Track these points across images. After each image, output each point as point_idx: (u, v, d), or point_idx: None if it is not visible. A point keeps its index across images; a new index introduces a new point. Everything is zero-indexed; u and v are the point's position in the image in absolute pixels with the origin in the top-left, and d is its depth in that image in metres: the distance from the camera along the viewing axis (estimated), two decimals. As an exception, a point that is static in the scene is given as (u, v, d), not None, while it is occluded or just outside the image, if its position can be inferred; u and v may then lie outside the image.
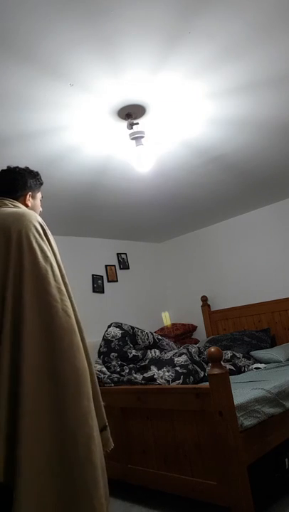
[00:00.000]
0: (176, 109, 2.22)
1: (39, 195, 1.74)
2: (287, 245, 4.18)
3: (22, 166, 2.52)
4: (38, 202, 1.72)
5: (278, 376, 2.66)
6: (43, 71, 1.74)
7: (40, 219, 1.48)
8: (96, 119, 2.19)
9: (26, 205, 1.63)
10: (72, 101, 1.98)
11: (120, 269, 4.72)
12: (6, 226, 1.39)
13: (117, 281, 4.63)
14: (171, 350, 3.28)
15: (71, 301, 1.41)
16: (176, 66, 1.85)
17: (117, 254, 4.76)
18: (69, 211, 3.56)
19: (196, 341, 4.54)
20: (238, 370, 3.24)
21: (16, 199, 1.60)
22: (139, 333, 3.34)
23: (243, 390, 2.31)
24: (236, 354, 3.48)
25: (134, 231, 4.61)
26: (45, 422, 1.21)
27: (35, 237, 1.40)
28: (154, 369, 2.83)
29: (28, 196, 1.65)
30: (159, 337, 3.56)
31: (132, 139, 2.26)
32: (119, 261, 4.74)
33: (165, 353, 3.19)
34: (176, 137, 2.55)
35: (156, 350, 3.29)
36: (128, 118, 2.18)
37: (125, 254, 4.84)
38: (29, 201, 1.66)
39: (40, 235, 1.42)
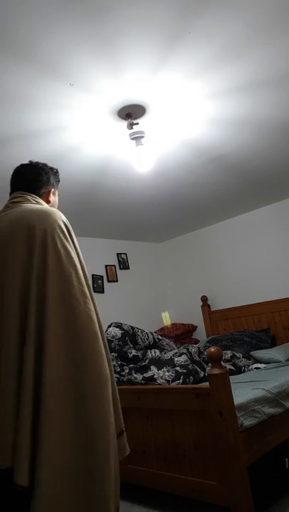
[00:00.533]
0: (176, 109, 2.22)
1: (57, 192, 1.70)
2: (287, 245, 4.18)
3: (22, 166, 2.55)
4: (57, 199, 1.69)
5: (278, 376, 2.66)
6: (43, 71, 1.74)
7: (64, 218, 1.42)
8: (96, 119, 2.19)
9: (48, 202, 1.59)
10: (72, 101, 1.98)
11: (120, 269, 4.72)
12: (29, 224, 1.34)
13: (117, 281, 4.63)
14: (171, 350, 3.28)
15: (93, 304, 1.37)
16: (176, 66, 1.85)
17: (117, 254, 4.76)
18: (69, 211, 3.56)
19: (196, 341, 4.54)
20: (238, 370, 3.24)
21: (39, 195, 1.56)
22: (139, 333, 3.34)
23: (243, 390, 2.31)
24: (236, 354, 3.48)
25: (134, 231, 4.61)
26: (66, 426, 1.18)
27: (59, 237, 1.34)
28: (154, 369, 2.83)
29: (50, 193, 1.61)
30: (159, 337, 3.56)
31: (132, 139, 2.26)
32: (119, 261, 4.74)
33: (165, 353, 3.19)
34: (176, 137, 2.55)
35: (156, 350, 3.29)
36: (128, 118, 2.18)
37: (125, 254, 4.84)
38: (51, 198, 1.62)
39: (64, 235, 1.37)
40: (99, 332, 1.30)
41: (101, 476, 1.19)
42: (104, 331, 3.27)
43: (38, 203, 1.50)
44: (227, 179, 3.41)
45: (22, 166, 1.62)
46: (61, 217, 1.41)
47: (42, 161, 2.50)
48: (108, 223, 4.13)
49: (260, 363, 3.48)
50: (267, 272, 4.32)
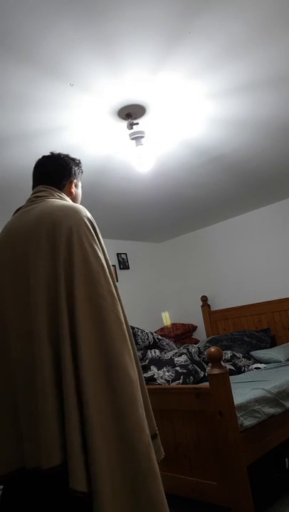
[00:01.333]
0: (176, 109, 2.22)
1: (80, 184, 1.64)
2: (287, 245, 4.18)
3: (23, 165, 2.55)
4: (80, 191, 1.63)
5: (278, 376, 2.66)
6: (43, 71, 1.74)
7: (90, 215, 1.36)
8: (96, 119, 2.19)
9: (70, 194, 1.54)
10: (72, 101, 1.98)
11: (120, 269, 4.72)
12: (55, 220, 1.29)
13: (117, 281, 4.64)
14: (171, 350, 3.28)
15: (121, 305, 1.33)
16: (176, 66, 1.85)
17: (117, 254, 4.76)
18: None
19: (196, 341, 4.54)
20: (238, 370, 3.24)
21: (62, 188, 1.51)
22: (139, 333, 3.34)
23: (243, 390, 2.31)
24: (236, 354, 3.48)
25: (134, 231, 4.61)
26: (109, 428, 1.15)
27: (86, 235, 1.28)
28: (154, 369, 2.83)
29: (73, 184, 1.55)
30: (159, 337, 3.56)
31: (132, 139, 2.26)
32: (119, 261, 4.74)
33: (165, 353, 3.19)
34: (176, 137, 2.55)
35: (156, 350, 3.29)
36: (128, 118, 2.18)
37: (125, 254, 4.84)
38: (73, 189, 1.56)
39: (90, 233, 1.31)
40: (126, 333, 1.26)
41: (150, 477, 1.15)
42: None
43: (61, 198, 1.45)
44: (227, 179, 3.41)
45: (44, 157, 1.56)
46: (87, 215, 1.35)
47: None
48: (108, 223, 4.13)
49: (260, 363, 3.48)
50: (267, 272, 4.32)
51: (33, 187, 1.52)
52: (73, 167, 1.57)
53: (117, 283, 1.54)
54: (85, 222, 1.31)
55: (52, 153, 1.58)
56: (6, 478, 1.21)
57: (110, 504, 1.08)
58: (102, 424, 1.14)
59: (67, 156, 1.58)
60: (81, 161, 1.65)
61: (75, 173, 1.57)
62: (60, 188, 1.51)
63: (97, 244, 1.30)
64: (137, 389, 1.21)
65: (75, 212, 1.32)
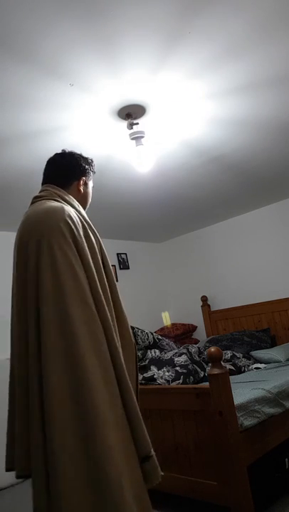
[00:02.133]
0: (176, 109, 2.22)
1: (91, 183, 1.63)
2: (287, 245, 4.18)
3: (23, 165, 2.55)
4: (90, 190, 1.61)
5: (278, 376, 2.66)
6: (43, 71, 1.74)
7: (72, 217, 1.30)
8: (96, 119, 2.19)
9: (79, 192, 1.53)
10: (72, 101, 1.98)
11: (120, 269, 4.72)
12: (31, 228, 1.27)
13: (117, 281, 4.63)
14: (171, 350, 3.28)
15: (117, 305, 1.30)
16: (176, 66, 1.85)
17: (117, 254, 4.76)
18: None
19: (196, 341, 4.54)
20: (238, 370, 3.24)
21: (68, 186, 1.50)
22: (139, 333, 3.34)
23: (243, 390, 2.31)
24: (236, 354, 3.48)
25: (134, 231, 4.61)
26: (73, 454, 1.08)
27: (58, 242, 1.22)
28: (154, 369, 2.83)
29: (81, 181, 1.54)
30: (159, 337, 3.56)
31: (132, 139, 2.26)
32: (119, 261, 4.74)
33: (165, 353, 3.19)
34: (176, 137, 2.55)
35: (156, 350, 3.29)
36: (128, 118, 2.18)
37: (125, 254, 4.84)
38: (82, 187, 1.54)
39: (64, 238, 1.23)
40: (100, 343, 1.18)
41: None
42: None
43: (56, 199, 1.40)
44: (227, 179, 3.41)
45: (55, 155, 1.56)
46: (64, 218, 1.28)
47: (42, 161, 2.52)
48: (108, 223, 4.13)
49: (260, 363, 3.48)
50: (267, 271, 4.32)
51: (42, 185, 1.52)
52: (84, 165, 1.56)
53: (117, 283, 1.54)
54: (59, 227, 1.25)
55: (63, 150, 1.58)
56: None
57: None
58: (66, 446, 1.08)
59: (78, 154, 1.58)
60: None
61: (84, 172, 1.55)
62: (66, 187, 1.49)
63: (71, 250, 1.23)
64: (105, 413, 1.11)
65: (49, 218, 1.27)
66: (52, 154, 2.59)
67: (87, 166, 1.58)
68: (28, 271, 1.24)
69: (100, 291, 1.25)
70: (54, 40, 1.58)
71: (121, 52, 1.70)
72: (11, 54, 1.61)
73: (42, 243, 1.23)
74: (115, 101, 2.05)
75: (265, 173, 3.38)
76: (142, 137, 2.27)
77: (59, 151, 1.58)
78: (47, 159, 1.56)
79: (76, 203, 1.47)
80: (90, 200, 1.62)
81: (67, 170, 1.52)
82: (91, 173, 1.62)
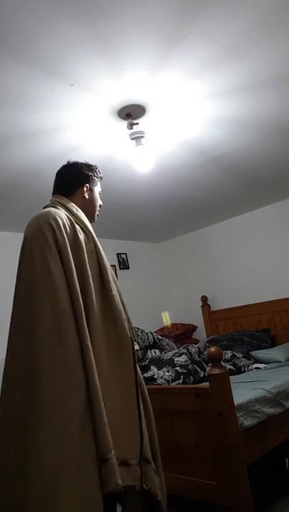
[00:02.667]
0: (176, 109, 2.22)
1: (98, 188, 1.72)
2: (287, 245, 4.18)
3: (23, 165, 2.55)
4: (96, 195, 1.70)
5: (278, 376, 2.66)
6: (43, 71, 1.74)
7: (57, 218, 1.41)
8: (96, 119, 2.19)
9: (83, 198, 1.63)
10: (72, 101, 1.98)
11: (120, 269, 4.72)
12: (24, 232, 1.42)
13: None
14: (171, 350, 3.28)
15: (112, 304, 1.43)
16: (176, 66, 1.85)
17: (117, 254, 4.76)
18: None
19: (196, 341, 4.54)
20: (238, 370, 3.24)
21: (73, 194, 1.61)
22: (139, 333, 3.34)
23: (243, 390, 2.31)
24: (236, 354, 3.48)
25: (134, 231, 4.61)
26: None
27: (38, 243, 1.35)
28: (154, 369, 2.83)
29: (85, 188, 1.64)
30: (159, 337, 3.56)
31: (132, 139, 2.26)
32: (119, 261, 4.74)
33: (165, 353, 3.19)
34: (176, 137, 2.55)
35: (156, 350, 3.29)
36: (128, 118, 2.18)
37: (125, 254, 4.84)
38: (86, 193, 1.64)
39: (45, 239, 1.35)
40: (59, 334, 1.27)
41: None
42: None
43: (55, 206, 1.52)
44: (227, 179, 3.41)
45: (62, 167, 1.69)
46: (47, 220, 1.39)
47: (42, 161, 2.52)
48: (108, 223, 4.13)
49: (260, 363, 3.48)
50: (267, 271, 4.32)
51: (52, 195, 1.66)
52: (86, 172, 1.66)
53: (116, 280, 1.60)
54: (41, 229, 1.37)
55: (68, 161, 1.70)
56: None
57: None
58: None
59: (82, 163, 1.69)
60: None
61: (88, 179, 1.66)
62: (70, 195, 1.61)
63: (49, 248, 1.34)
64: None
65: (35, 221, 1.41)
66: (52, 154, 2.60)
67: (90, 173, 1.67)
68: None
69: (77, 285, 1.34)
70: (54, 40, 1.58)
71: (121, 52, 1.70)
72: (11, 54, 1.61)
73: (25, 243, 1.38)
74: (115, 101, 2.05)
75: (265, 173, 3.38)
76: (142, 137, 2.27)
77: (66, 162, 1.70)
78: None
79: (75, 208, 1.57)
80: (97, 204, 1.71)
81: (70, 179, 1.64)
82: (96, 178, 1.70)
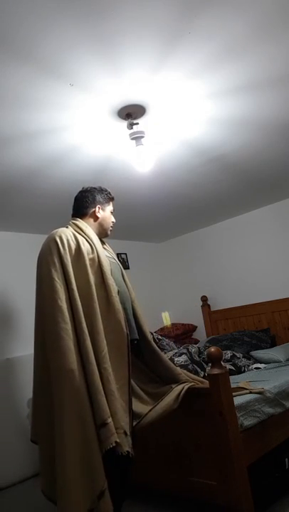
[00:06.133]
0: (176, 109, 2.22)
1: (109, 207, 2.09)
2: (287, 245, 4.17)
3: (23, 165, 2.55)
4: (107, 213, 2.07)
5: (278, 376, 2.66)
6: (43, 71, 1.74)
7: (62, 236, 1.80)
8: (96, 119, 2.19)
9: (96, 217, 2.02)
10: (72, 101, 1.98)
11: (120, 269, 4.71)
12: None
13: (117, 281, 4.63)
14: (171, 350, 3.28)
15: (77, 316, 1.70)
16: (176, 66, 1.85)
17: (117, 254, 4.75)
18: (69, 211, 3.55)
19: (196, 341, 4.54)
20: (238, 370, 3.24)
21: (86, 215, 2.02)
22: (139, 333, 3.33)
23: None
24: (236, 354, 3.48)
25: (134, 231, 4.61)
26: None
27: (46, 260, 1.74)
28: (154, 369, 2.82)
29: (97, 209, 2.03)
30: (159, 337, 3.56)
31: (132, 138, 2.26)
32: (119, 261, 4.73)
33: (165, 353, 3.19)
34: (176, 137, 2.55)
35: (156, 350, 3.28)
36: (128, 118, 2.18)
37: (125, 254, 4.84)
38: (99, 213, 2.03)
39: (51, 255, 1.73)
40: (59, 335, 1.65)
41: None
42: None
43: (67, 225, 1.95)
44: (227, 179, 3.41)
45: (78, 193, 2.08)
46: (54, 238, 1.77)
47: (42, 161, 2.53)
48: (108, 223, 4.12)
49: (260, 363, 3.48)
50: (267, 272, 4.32)
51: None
52: (96, 195, 2.05)
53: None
54: (48, 248, 1.76)
55: (83, 187, 2.08)
56: None
57: None
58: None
59: (94, 188, 2.07)
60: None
61: (98, 200, 2.05)
62: (84, 216, 2.02)
63: (54, 263, 1.72)
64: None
65: (47, 239, 1.83)
66: (52, 154, 2.60)
67: (99, 195, 2.05)
68: None
69: (75, 291, 1.71)
70: (54, 40, 1.58)
71: (121, 52, 1.70)
72: (11, 54, 1.61)
73: (38, 260, 1.82)
74: (115, 101, 2.05)
75: (265, 173, 3.38)
76: (142, 137, 2.26)
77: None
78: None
79: (84, 226, 1.96)
80: (110, 221, 2.09)
81: (84, 203, 2.03)
82: (106, 199, 2.08)
